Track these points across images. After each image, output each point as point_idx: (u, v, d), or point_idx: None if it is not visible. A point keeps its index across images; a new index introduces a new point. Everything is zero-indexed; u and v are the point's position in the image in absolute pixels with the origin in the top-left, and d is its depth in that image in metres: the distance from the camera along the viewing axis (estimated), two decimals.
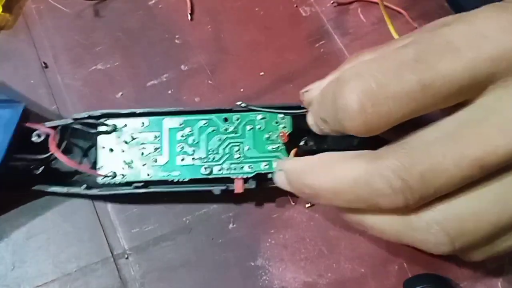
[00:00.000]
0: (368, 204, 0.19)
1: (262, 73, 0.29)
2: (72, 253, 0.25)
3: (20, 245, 0.25)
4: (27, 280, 0.25)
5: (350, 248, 0.25)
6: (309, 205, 0.26)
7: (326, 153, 0.20)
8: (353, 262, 0.25)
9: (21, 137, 0.25)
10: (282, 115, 0.25)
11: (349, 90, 0.17)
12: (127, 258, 0.25)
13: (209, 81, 0.29)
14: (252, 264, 0.25)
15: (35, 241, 0.26)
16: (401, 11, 0.30)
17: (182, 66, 0.29)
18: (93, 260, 0.25)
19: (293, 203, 0.26)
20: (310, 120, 0.23)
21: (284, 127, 0.25)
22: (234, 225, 0.26)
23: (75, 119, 0.25)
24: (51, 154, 0.24)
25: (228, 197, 0.25)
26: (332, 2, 0.31)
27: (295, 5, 0.31)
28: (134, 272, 0.25)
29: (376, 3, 0.31)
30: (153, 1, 0.31)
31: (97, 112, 0.25)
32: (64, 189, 0.25)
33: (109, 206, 0.26)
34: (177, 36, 0.30)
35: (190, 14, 0.31)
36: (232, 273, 0.25)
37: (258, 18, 0.31)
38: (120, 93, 0.26)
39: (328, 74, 0.22)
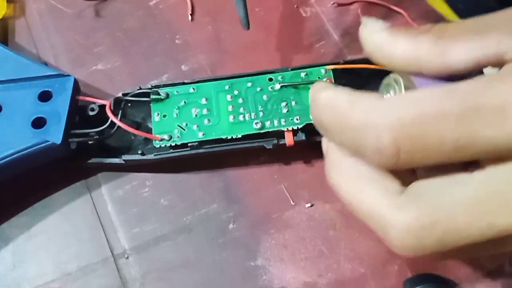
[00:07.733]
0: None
1: None
2: (72, 253, 0.25)
3: (20, 245, 0.26)
4: (27, 280, 0.25)
5: (350, 248, 0.25)
6: (309, 205, 0.26)
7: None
8: (353, 262, 0.25)
9: (77, 112, 0.26)
10: (324, 70, 0.27)
11: (388, 131, 0.16)
12: (127, 258, 0.25)
13: None
14: (252, 264, 0.25)
15: (35, 241, 0.26)
16: (401, 11, 0.30)
17: (183, 66, 0.30)
18: (93, 260, 0.25)
19: (293, 203, 0.26)
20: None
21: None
22: (234, 225, 0.26)
23: (125, 94, 0.26)
24: (105, 128, 0.25)
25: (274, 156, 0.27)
26: (332, 2, 0.31)
27: (295, 6, 0.31)
28: (134, 272, 0.25)
29: (376, 3, 0.31)
30: (154, 2, 0.31)
31: (148, 86, 0.27)
32: (120, 160, 0.26)
33: (109, 206, 0.26)
34: (177, 36, 0.30)
35: (191, 14, 0.31)
36: (232, 273, 0.25)
37: (258, 18, 0.31)
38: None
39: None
